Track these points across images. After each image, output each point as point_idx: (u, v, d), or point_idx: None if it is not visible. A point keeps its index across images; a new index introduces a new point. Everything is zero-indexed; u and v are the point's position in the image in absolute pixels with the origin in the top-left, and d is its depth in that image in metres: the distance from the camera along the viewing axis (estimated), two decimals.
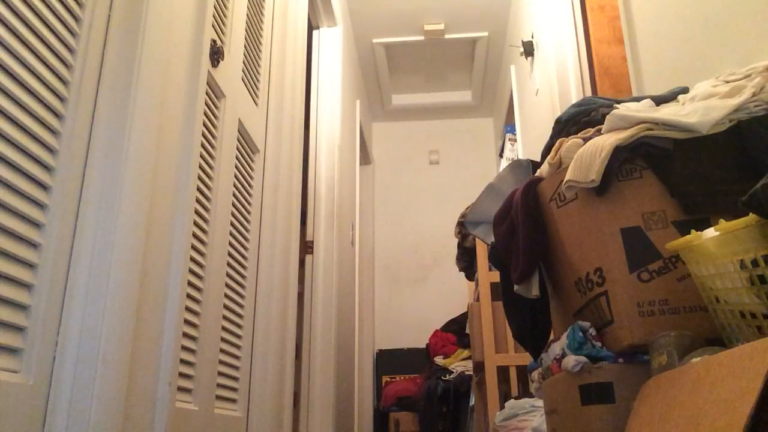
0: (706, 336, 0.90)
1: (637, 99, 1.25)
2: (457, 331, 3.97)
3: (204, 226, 1.56)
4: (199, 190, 1.52)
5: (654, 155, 1.04)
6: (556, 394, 1.13)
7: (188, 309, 1.44)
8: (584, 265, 1.09)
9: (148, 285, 1.21)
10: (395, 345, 4.76)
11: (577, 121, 1.27)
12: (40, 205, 0.99)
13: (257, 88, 2.08)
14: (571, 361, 1.02)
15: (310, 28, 3.29)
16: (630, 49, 1.86)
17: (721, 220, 0.79)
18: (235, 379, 1.79)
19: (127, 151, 1.14)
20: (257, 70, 2.09)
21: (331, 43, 3.49)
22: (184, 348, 1.41)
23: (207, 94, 1.58)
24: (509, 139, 4.05)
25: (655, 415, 0.79)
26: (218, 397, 1.64)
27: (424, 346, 4.20)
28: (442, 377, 3.69)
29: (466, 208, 2.43)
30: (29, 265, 0.96)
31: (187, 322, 1.42)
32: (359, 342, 3.97)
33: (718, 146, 1.01)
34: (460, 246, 3.14)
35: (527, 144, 3.56)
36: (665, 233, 1.01)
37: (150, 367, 1.21)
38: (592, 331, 1.05)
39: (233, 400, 1.78)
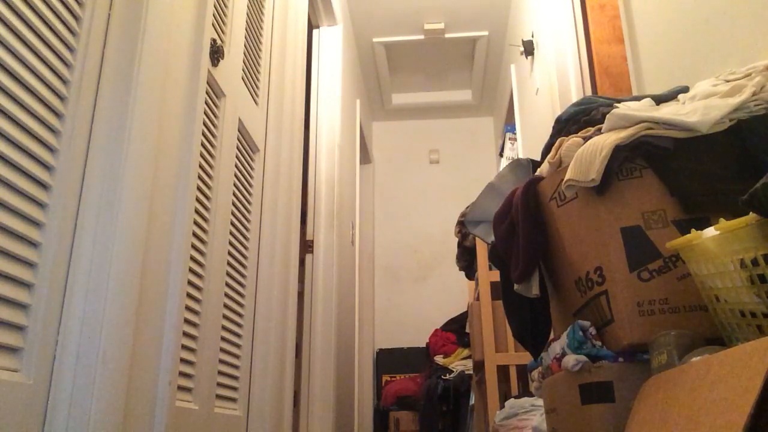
0: (706, 335, 0.90)
1: (637, 98, 1.25)
2: (457, 331, 3.97)
3: (204, 225, 1.56)
4: (199, 189, 1.52)
5: (654, 154, 1.03)
6: (556, 393, 1.13)
7: (188, 308, 1.44)
8: (584, 265, 1.09)
9: (148, 284, 1.21)
10: (395, 344, 4.77)
11: (577, 120, 1.27)
12: (40, 205, 0.99)
13: (257, 88, 2.08)
14: (571, 360, 1.02)
15: (310, 27, 3.29)
16: (630, 49, 1.86)
17: (722, 219, 0.79)
18: (235, 378, 1.79)
19: (127, 151, 1.14)
20: (257, 70, 2.09)
21: (331, 42, 3.49)
22: (184, 347, 1.41)
23: (207, 93, 1.58)
24: (509, 139, 4.05)
25: (655, 414, 0.79)
26: (218, 396, 1.64)
27: (424, 345, 4.20)
28: (442, 376, 3.69)
29: (467, 208, 2.43)
30: (29, 264, 0.96)
31: (187, 321, 1.42)
32: (359, 341, 3.97)
33: (719, 145, 1.01)
34: (460, 245, 3.14)
35: (527, 143, 3.56)
36: (665, 232, 1.01)
37: (150, 366, 1.21)
38: (592, 331, 1.05)
39: (233, 399, 1.78)
